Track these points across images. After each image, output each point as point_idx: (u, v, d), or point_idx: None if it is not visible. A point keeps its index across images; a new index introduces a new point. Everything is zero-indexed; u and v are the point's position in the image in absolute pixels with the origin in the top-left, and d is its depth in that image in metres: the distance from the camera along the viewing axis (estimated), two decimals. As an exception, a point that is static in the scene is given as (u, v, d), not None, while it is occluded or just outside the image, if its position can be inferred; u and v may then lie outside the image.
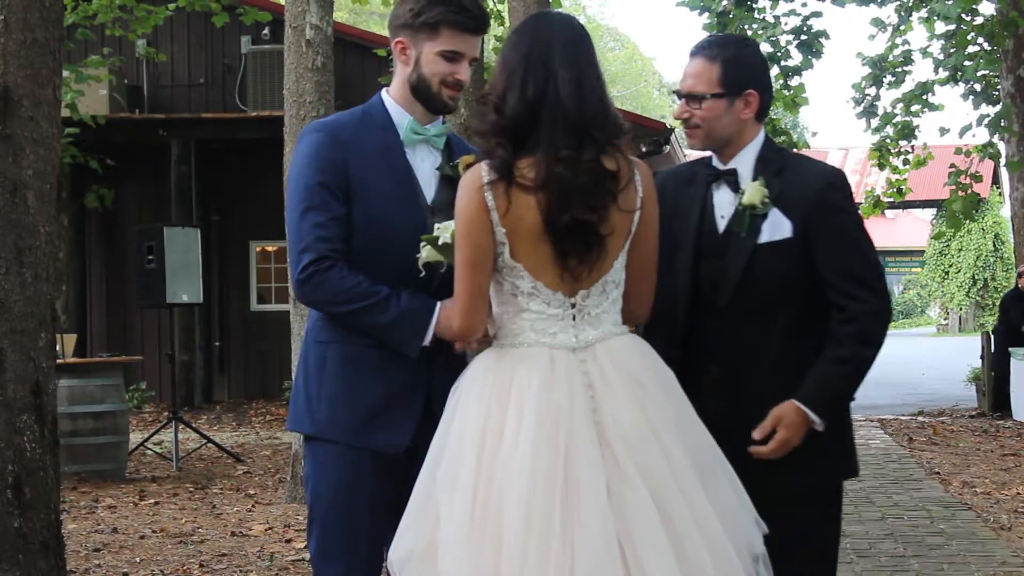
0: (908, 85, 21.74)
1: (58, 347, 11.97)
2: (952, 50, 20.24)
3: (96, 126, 20.26)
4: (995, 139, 20.34)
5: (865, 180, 47.36)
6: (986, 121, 19.66)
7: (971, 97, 21.33)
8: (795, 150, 21.87)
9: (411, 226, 4.65)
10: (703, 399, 4.55)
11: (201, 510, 12.04)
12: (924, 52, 21.38)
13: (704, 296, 4.79)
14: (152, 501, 12.59)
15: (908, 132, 21.73)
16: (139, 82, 23.79)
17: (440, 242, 4.49)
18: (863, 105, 22.10)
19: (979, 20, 20.04)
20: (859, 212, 4.90)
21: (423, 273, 4.58)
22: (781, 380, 4.68)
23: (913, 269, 60.37)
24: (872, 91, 22.04)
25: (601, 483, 4.05)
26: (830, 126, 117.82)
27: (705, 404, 4.53)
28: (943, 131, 20.09)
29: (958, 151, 20.34)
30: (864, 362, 4.72)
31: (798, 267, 4.71)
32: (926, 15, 21.07)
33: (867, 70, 21.96)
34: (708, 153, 4.95)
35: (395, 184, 4.69)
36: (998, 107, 20.34)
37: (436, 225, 4.55)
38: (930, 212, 53.12)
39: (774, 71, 21.14)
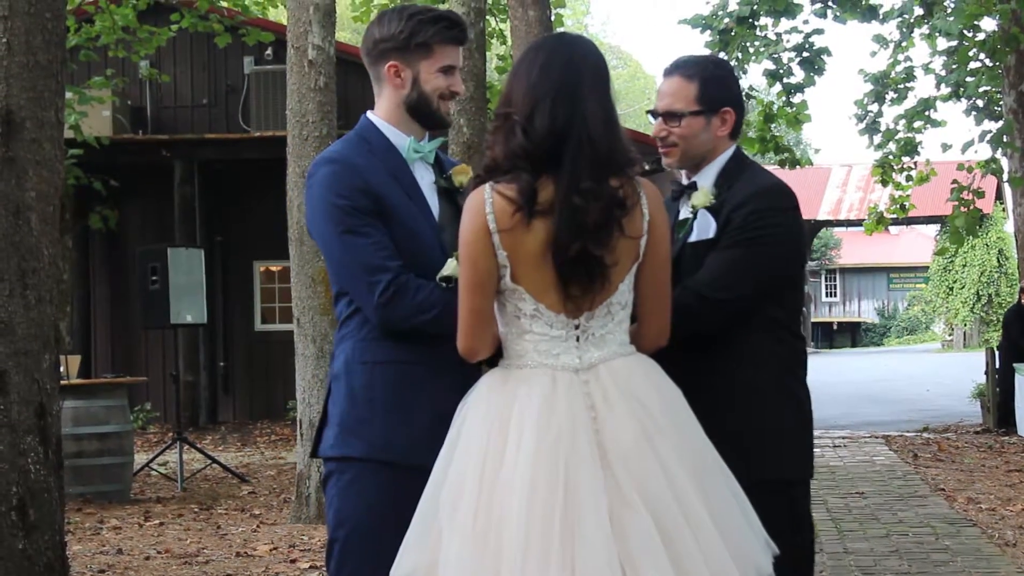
0: (910, 101, 21.76)
1: (62, 368, 11.97)
2: (954, 66, 20.24)
3: (100, 147, 20.31)
4: (998, 155, 20.33)
5: (868, 196, 47.39)
6: (988, 137, 19.66)
7: (973, 113, 21.33)
8: (798, 167, 21.97)
9: (437, 245, 4.67)
10: None
11: (206, 531, 12.03)
12: (926, 68, 21.40)
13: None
14: (157, 522, 12.59)
15: (911, 148, 21.74)
16: (142, 103, 23.83)
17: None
18: (866, 122, 22.11)
19: (981, 36, 20.04)
20: (784, 228, 4.85)
21: (445, 286, 4.57)
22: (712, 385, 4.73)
23: (917, 285, 60.35)
24: (874, 107, 22.05)
25: (603, 505, 4.03)
26: (833, 143, 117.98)
27: None
28: (946, 147, 20.13)
29: (960, 167, 20.34)
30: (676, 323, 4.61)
31: None
32: (928, 31, 21.10)
33: (869, 87, 21.98)
34: None
35: (415, 206, 4.71)
36: (1000, 123, 20.34)
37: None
38: (933, 228, 53.10)
39: (776, 88, 21.18)
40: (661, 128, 4.88)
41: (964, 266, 51.28)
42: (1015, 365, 20.01)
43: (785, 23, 20.90)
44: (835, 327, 69.40)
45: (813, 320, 64.39)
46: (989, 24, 20.18)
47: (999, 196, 46.29)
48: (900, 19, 21.47)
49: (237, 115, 23.48)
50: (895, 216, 23.47)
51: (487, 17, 18.29)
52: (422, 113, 4.77)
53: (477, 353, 4.35)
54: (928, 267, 54.64)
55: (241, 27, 20.87)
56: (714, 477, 4.27)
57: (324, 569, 5.13)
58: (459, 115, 15.41)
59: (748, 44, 20.69)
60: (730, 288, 4.74)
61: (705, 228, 4.78)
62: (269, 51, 22.68)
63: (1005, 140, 19.62)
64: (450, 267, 4.55)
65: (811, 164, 24.19)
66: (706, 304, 4.72)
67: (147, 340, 23.45)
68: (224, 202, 23.45)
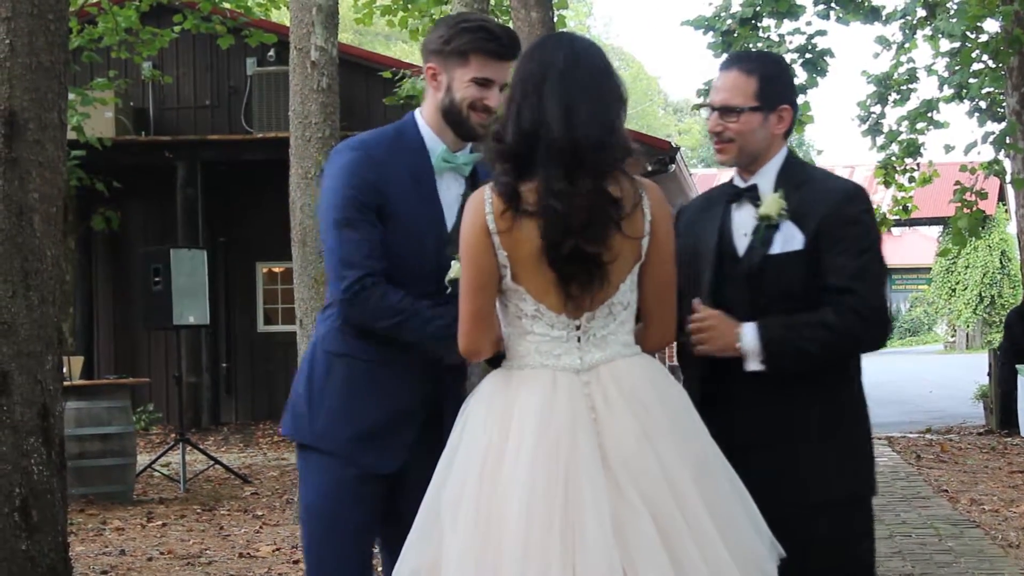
0: (913, 103, 21.74)
1: (65, 369, 11.97)
2: (957, 68, 20.23)
3: (102, 149, 20.31)
4: (1000, 156, 20.33)
5: (871, 197, 47.35)
6: (991, 138, 19.65)
7: (976, 114, 21.32)
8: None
9: (434, 253, 4.70)
10: (725, 417, 4.58)
11: (209, 531, 12.03)
12: (929, 70, 21.38)
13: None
14: (160, 523, 12.59)
15: (913, 150, 21.72)
16: (145, 104, 23.84)
17: None
18: (868, 123, 22.10)
19: (984, 38, 20.04)
20: (876, 228, 4.82)
21: (449, 289, 4.62)
22: (793, 393, 4.66)
23: (920, 286, 60.32)
24: (877, 109, 22.04)
25: (604, 506, 4.04)
26: (836, 144, 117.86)
27: (728, 421, 4.58)
28: (948, 148, 20.08)
29: (963, 168, 20.33)
30: (829, 340, 4.61)
31: (807, 280, 4.64)
32: (931, 33, 21.07)
33: (872, 88, 21.96)
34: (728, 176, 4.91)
35: (424, 208, 4.75)
36: (1003, 124, 20.33)
37: None
38: (936, 229, 53.04)
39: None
40: (717, 123, 4.77)
41: (967, 267, 51.24)
42: (1018, 367, 20.00)
43: (788, 24, 20.90)
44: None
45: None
46: (992, 26, 20.19)
47: (1002, 198, 46.24)
48: (903, 20, 21.45)
49: (240, 116, 23.49)
50: (898, 217, 23.45)
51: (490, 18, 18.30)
52: (453, 121, 4.79)
53: (478, 353, 4.36)
54: (931, 268, 54.61)
55: (244, 28, 20.87)
56: (716, 479, 4.26)
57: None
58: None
59: (751, 45, 20.67)
60: (880, 297, 4.69)
61: (790, 239, 4.66)
62: (272, 52, 22.67)
63: (1008, 141, 19.60)
64: (455, 270, 4.58)
65: (813, 164, 24.16)
66: (868, 322, 4.65)
67: (150, 341, 23.45)
68: (227, 203, 23.45)
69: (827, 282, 4.63)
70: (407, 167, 4.76)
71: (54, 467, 6.47)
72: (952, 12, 19.43)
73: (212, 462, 16.19)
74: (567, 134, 4.17)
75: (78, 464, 13.28)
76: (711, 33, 20.69)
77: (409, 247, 4.71)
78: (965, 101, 21.25)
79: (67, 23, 6.70)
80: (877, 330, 4.69)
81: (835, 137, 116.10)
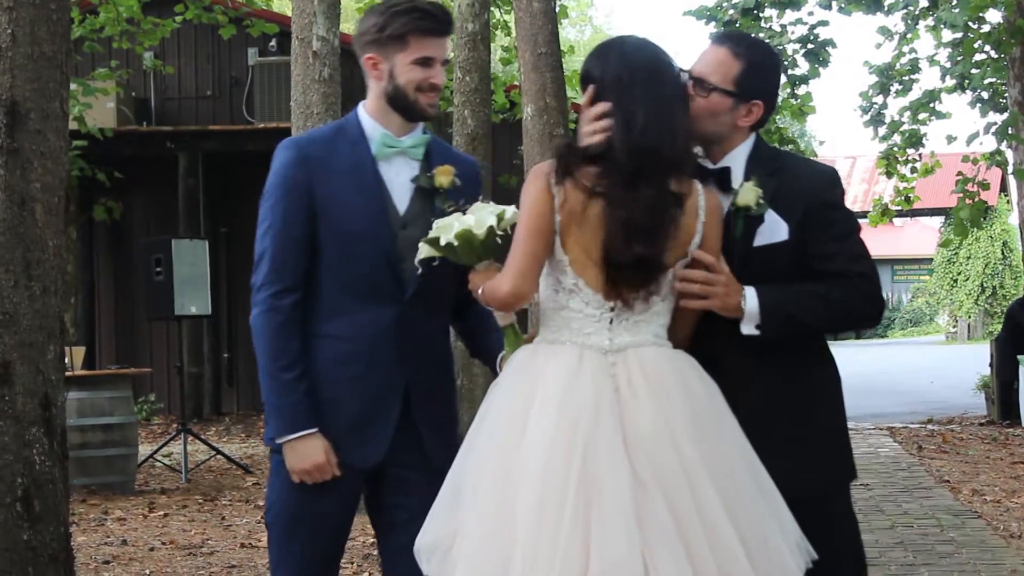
0: (915, 93, 21.75)
1: (67, 360, 11.97)
2: (959, 58, 20.23)
3: (104, 139, 20.29)
4: (1003, 147, 20.31)
5: (873, 188, 47.36)
6: (993, 129, 19.63)
7: (978, 105, 21.30)
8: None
9: (379, 241, 4.74)
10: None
11: (210, 522, 12.04)
12: (931, 60, 21.38)
13: None
14: (161, 513, 12.59)
15: (915, 140, 21.73)
16: (146, 95, 23.82)
17: (442, 243, 4.53)
18: (870, 113, 22.10)
19: (986, 28, 20.02)
20: (851, 210, 4.82)
21: (420, 271, 4.66)
22: (785, 385, 4.65)
23: (921, 277, 60.28)
24: (879, 99, 22.04)
25: (625, 483, 4.08)
26: (837, 135, 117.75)
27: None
28: (950, 139, 20.08)
29: (965, 159, 20.31)
30: (832, 313, 4.61)
31: (793, 269, 4.62)
32: (933, 23, 21.06)
33: (874, 79, 21.96)
34: None
35: (364, 200, 4.76)
36: (1005, 115, 20.30)
37: (435, 223, 4.59)
38: (938, 220, 53.06)
39: (781, 80, 21.16)
40: (689, 90, 4.64)
41: (968, 258, 51.21)
42: (1020, 357, 20.00)
43: (790, 15, 20.95)
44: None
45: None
46: (994, 16, 20.17)
47: (1004, 188, 46.21)
48: (905, 11, 21.45)
49: (241, 107, 23.47)
50: (899, 208, 23.44)
51: (491, 8, 18.30)
52: (400, 106, 4.80)
53: (522, 298, 4.38)
54: (932, 259, 54.59)
55: (245, 18, 20.86)
56: (740, 475, 4.28)
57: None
58: (463, 107, 15.42)
59: (753, 35, 20.66)
60: (876, 275, 4.70)
61: (775, 229, 4.62)
62: (273, 43, 22.64)
63: (1010, 132, 19.58)
64: (423, 251, 4.62)
65: (816, 155, 24.18)
66: (868, 299, 4.67)
67: (151, 331, 23.43)
68: (228, 193, 23.42)
69: (821, 268, 4.61)
70: (345, 160, 4.79)
71: (56, 457, 6.47)
72: (954, 2, 19.42)
73: (214, 452, 16.20)
74: (643, 139, 4.25)
75: (80, 454, 13.29)
76: (713, 23, 20.69)
77: (350, 238, 4.74)
78: (967, 91, 21.23)
79: (69, 13, 6.69)
80: (875, 308, 4.70)
81: (837, 128, 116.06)
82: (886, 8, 21.08)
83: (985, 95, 21.32)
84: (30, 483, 6.32)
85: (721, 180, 4.64)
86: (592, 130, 4.35)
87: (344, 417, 4.75)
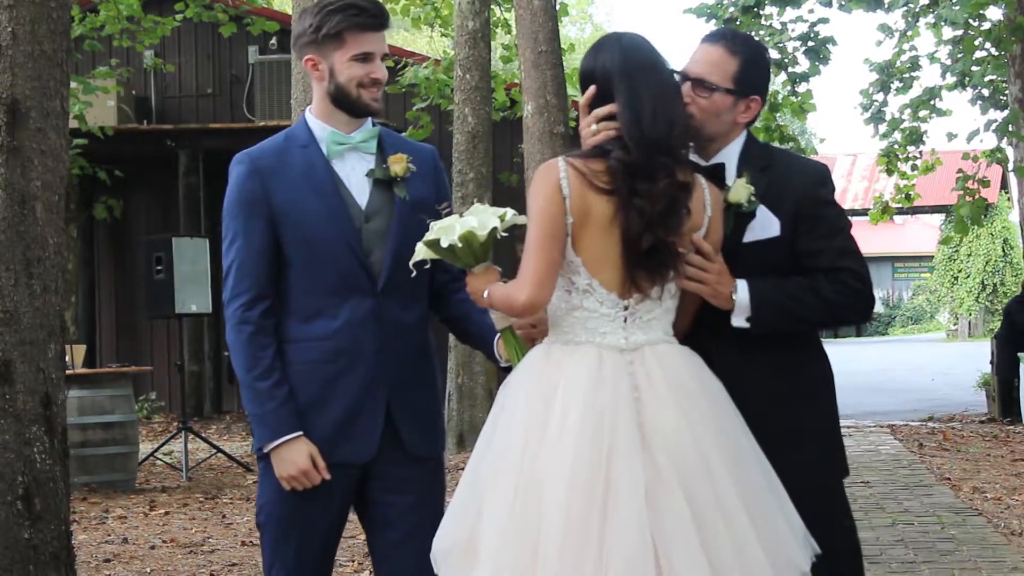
0: (916, 91, 21.75)
1: (68, 358, 11.98)
2: (959, 55, 20.23)
3: (104, 137, 20.30)
4: (1003, 144, 20.31)
5: (873, 186, 47.37)
6: (994, 126, 19.63)
7: (979, 102, 21.32)
8: (806, 156, 21.95)
9: (343, 238, 4.75)
10: None
11: (211, 520, 12.04)
12: (932, 58, 21.38)
13: None
14: (162, 511, 12.60)
15: (916, 138, 21.72)
16: (147, 93, 23.82)
17: (444, 244, 4.51)
18: (871, 111, 22.09)
19: (986, 25, 20.03)
20: (841, 207, 4.84)
21: (414, 273, 4.66)
22: (777, 381, 4.65)
23: (922, 274, 60.28)
24: (880, 97, 22.03)
25: (640, 485, 4.09)
26: (838, 132, 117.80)
27: None
28: (951, 136, 20.07)
29: (966, 156, 20.31)
30: (823, 308, 4.61)
31: (784, 265, 4.63)
32: (933, 21, 21.07)
33: (875, 76, 21.96)
34: None
35: (321, 201, 4.78)
36: (1006, 112, 20.30)
37: (433, 226, 4.57)
38: (939, 217, 53.05)
39: (782, 77, 21.17)
40: (687, 95, 4.62)
41: (969, 255, 51.17)
42: (1020, 355, 20.02)
43: (790, 12, 20.93)
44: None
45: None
46: (995, 13, 20.18)
47: (1004, 185, 46.21)
48: (905, 8, 21.44)
49: (242, 105, 23.47)
50: (900, 205, 23.45)
51: (492, 6, 18.29)
52: (344, 104, 4.81)
53: (541, 305, 4.36)
54: (933, 256, 54.58)
55: (246, 16, 20.88)
56: (752, 470, 4.32)
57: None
58: (464, 104, 15.44)
59: (753, 33, 20.66)
60: (867, 271, 4.72)
61: (766, 225, 4.62)
62: (274, 40, 22.64)
63: (1011, 129, 19.58)
64: (421, 252, 4.61)
65: (816, 153, 24.21)
66: (859, 295, 4.68)
67: (152, 330, 23.44)
68: (229, 192, 23.38)
69: (811, 264, 4.62)
70: (297, 165, 4.80)
71: (57, 456, 6.47)
72: (955, 0, 19.41)
73: (214, 450, 16.20)
74: (650, 131, 4.27)
75: (81, 452, 13.31)
76: (713, 21, 20.68)
77: (313, 239, 4.75)
78: (968, 89, 21.24)
79: (69, 11, 6.69)
80: (866, 304, 4.71)
81: (837, 125, 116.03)
82: (887, 5, 21.07)
83: (986, 92, 21.34)
84: (31, 481, 6.33)
85: (714, 177, 4.64)
86: (600, 128, 4.36)
87: (331, 417, 4.75)
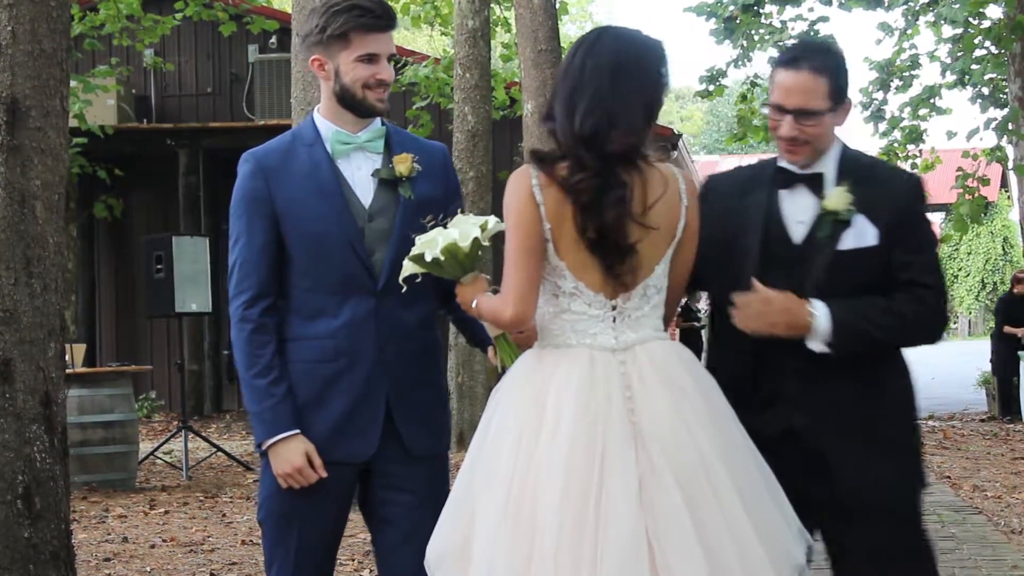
0: (915, 89, 21.73)
1: (68, 357, 11.97)
2: (959, 54, 20.23)
3: (104, 136, 20.31)
4: (1003, 142, 20.30)
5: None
6: (994, 125, 19.62)
7: (978, 101, 21.31)
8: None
9: (345, 237, 4.75)
10: (783, 416, 4.59)
11: (211, 519, 12.04)
12: (931, 56, 21.37)
13: None
14: (162, 510, 12.59)
15: (916, 136, 21.71)
16: (147, 92, 23.83)
17: (428, 259, 4.50)
18: (871, 109, 22.08)
19: (986, 24, 20.02)
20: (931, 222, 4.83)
21: (404, 288, 4.66)
22: (862, 388, 4.63)
23: (922, 273, 60.31)
24: (879, 95, 22.02)
25: (633, 485, 4.09)
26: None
27: (786, 420, 4.58)
28: (951, 135, 20.06)
29: (966, 155, 20.30)
30: (903, 326, 4.60)
31: (878, 274, 4.60)
32: (933, 19, 21.06)
33: (874, 74, 21.95)
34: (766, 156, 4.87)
35: (324, 199, 4.78)
36: (1006, 111, 20.30)
37: (418, 239, 4.56)
38: (938, 216, 53.10)
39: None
40: (793, 127, 4.58)
41: (969, 254, 51.29)
42: (1020, 353, 20.03)
43: (790, 11, 20.92)
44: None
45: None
46: (995, 12, 20.17)
47: (1004, 184, 46.27)
48: (905, 7, 21.44)
49: (242, 104, 23.48)
50: (900, 204, 23.42)
51: (492, 5, 18.28)
52: (350, 104, 4.81)
53: (526, 320, 4.35)
54: (933, 255, 54.59)
55: (245, 15, 20.88)
56: (747, 464, 4.32)
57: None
58: (464, 103, 15.44)
59: (753, 32, 20.69)
60: (947, 291, 4.74)
61: (863, 234, 4.58)
62: (274, 39, 22.66)
63: (1010, 128, 19.57)
64: (408, 268, 4.60)
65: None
66: (936, 315, 4.68)
67: (152, 329, 23.46)
68: (229, 191, 23.00)
69: (901, 276, 4.61)
70: (303, 164, 4.81)
71: (56, 455, 6.46)
72: (955, -2, 19.41)
73: (214, 449, 16.19)
74: (568, 126, 4.27)
75: (81, 452, 13.31)
76: (713, 19, 20.69)
77: (315, 238, 4.76)
78: (967, 87, 21.24)
79: (69, 10, 6.69)
80: (941, 324, 4.71)
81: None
82: (886, 4, 21.07)
83: (985, 91, 21.33)
84: (31, 480, 6.33)
85: (813, 185, 4.65)
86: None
87: (330, 415, 4.76)
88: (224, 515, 12.23)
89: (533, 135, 14.23)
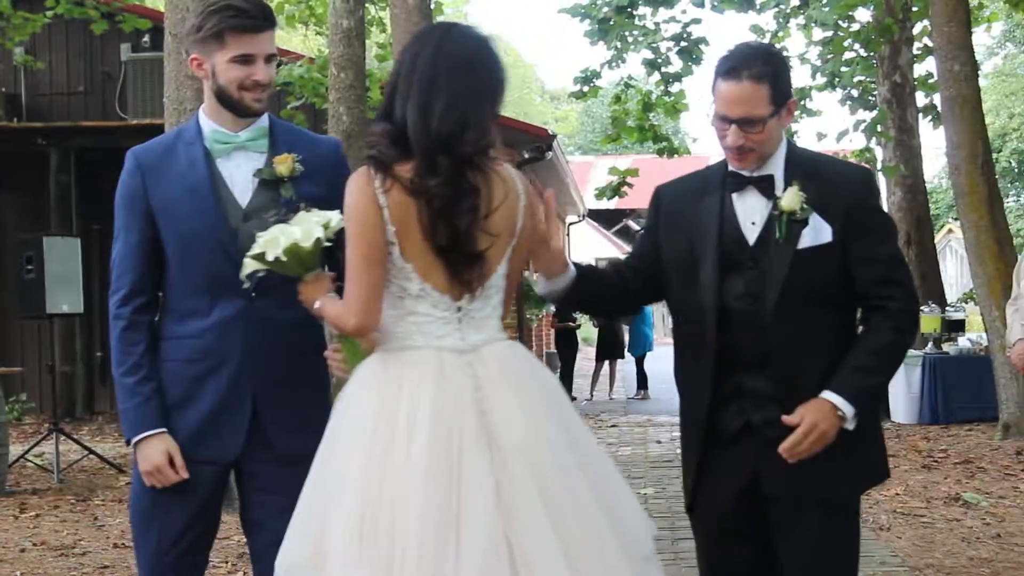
0: (786, 91, 21.95)
1: (-65, 359, 11.82)
2: (829, 56, 20.50)
3: (-27, 135, 20.03)
4: (872, 144, 20.62)
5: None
6: (863, 126, 19.93)
7: (848, 103, 21.62)
8: (676, 156, 22.15)
9: (214, 239, 4.74)
10: (750, 413, 4.66)
11: (83, 522, 11.93)
12: (802, 58, 21.63)
13: (737, 309, 4.70)
14: (33, 514, 12.45)
15: (787, 137, 21.96)
16: (17, 90, 23.51)
17: (269, 258, 4.46)
18: (743, 111, 22.28)
19: (855, 27, 20.30)
20: (888, 213, 4.88)
21: (246, 284, 4.65)
22: (823, 379, 4.65)
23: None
24: (751, 96, 22.22)
25: (490, 485, 4.07)
26: (711, 132, 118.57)
27: (752, 417, 4.65)
28: (820, 136, 20.38)
29: (835, 156, 20.58)
30: (897, 353, 4.70)
31: (836, 270, 4.65)
32: (804, 22, 21.33)
33: (746, 76, 22.15)
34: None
35: (195, 200, 4.77)
36: (874, 112, 20.62)
37: (259, 237, 4.53)
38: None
39: (655, 78, 21.34)
40: (739, 136, 4.64)
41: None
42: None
43: (663, 12, 21.09)
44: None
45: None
46: (864, 15, 20.48)
47: (874, 185, 46.85)
48: (776, 9, 21.70)
49: (114, 103, 23.24)
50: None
51: (366, 5, 18.26)
52: (227, 103, 4.81)
53: (371, 329, 4.31)
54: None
55: (117, 14, 20.68)
56: (593, 457, 4.36)
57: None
58: (339, 103, 15.39)
59: (627, 33, 20.83)
60: (908, 271, 4.82)
61: (819, 232, 4.63)
62: (146, 38, 22.44)
63: (879, 129, 19.90)
64: (249, 266, 4.57)
65: (689, 153, 24.38)
66: (915, 316, 4.74)
67: (23, 330, 23.14)
68: (102, 190, 22.94)
69: (865, 273, 4.67)
70: (180, 162, 4.81)
71: (-76, 458, 6.40)
72: (824, 1, 19.69)
73: (86, 452, 16.02)
74: (424, 127, 4.21)
75: (-51, 455, 13.13)
76: (588, 21, 20.80)
77: (187, 237, 4.76)
78: (837, 89, 21.51)
79: (-64, 8, 6.62)
80: (917, 320, 4.77)
81: (710, 125, 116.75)
82: (758, 7, 21.31)
83: (855, 93, 21.63)
84: (-103, 485, 6.26)
85: (764, 187, 4.70)
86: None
87: (196, 415, 4.75)
88: (96, 518, 12.12)
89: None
